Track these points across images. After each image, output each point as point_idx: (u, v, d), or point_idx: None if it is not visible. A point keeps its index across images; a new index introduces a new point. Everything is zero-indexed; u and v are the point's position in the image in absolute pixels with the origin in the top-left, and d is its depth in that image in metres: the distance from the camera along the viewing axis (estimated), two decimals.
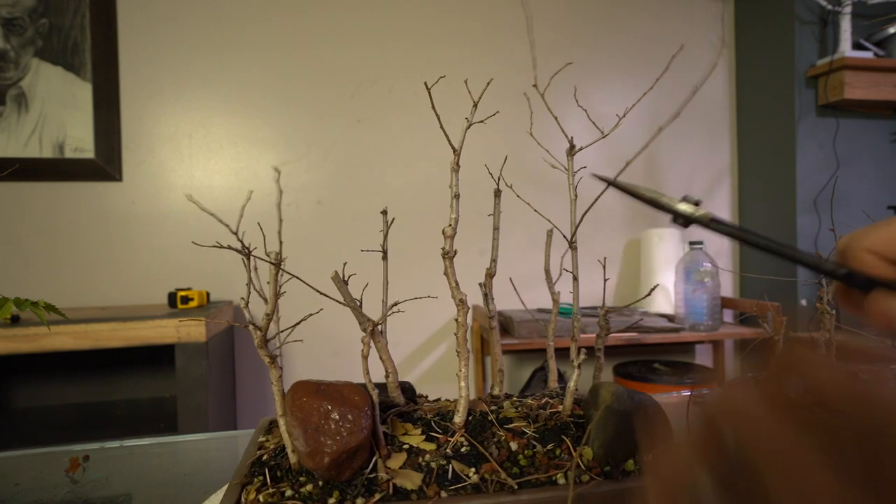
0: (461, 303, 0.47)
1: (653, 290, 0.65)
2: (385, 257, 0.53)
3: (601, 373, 0.54)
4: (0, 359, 1.31)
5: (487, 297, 0.55)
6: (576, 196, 0.55)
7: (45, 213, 1.71)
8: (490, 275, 0.54)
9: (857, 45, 1.87)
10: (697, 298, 1.78)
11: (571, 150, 0.55)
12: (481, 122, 0.52)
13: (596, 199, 0.52)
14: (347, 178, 1.91)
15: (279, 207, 0.45)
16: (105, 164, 1.73)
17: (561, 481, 0.41)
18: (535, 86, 0.55)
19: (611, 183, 0.34)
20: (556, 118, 0.59)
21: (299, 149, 1.88)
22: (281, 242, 0.44)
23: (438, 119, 0.47)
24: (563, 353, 0.57)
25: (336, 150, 1.90)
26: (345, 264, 0.49)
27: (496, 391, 0.57)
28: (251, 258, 0.44)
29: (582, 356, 0.50)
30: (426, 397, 0.56)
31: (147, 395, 1.70)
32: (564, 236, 0.56)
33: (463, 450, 0.44)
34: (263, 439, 0.49)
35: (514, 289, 0.67)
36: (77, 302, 1.71)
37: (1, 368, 1.60)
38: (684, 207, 0.31)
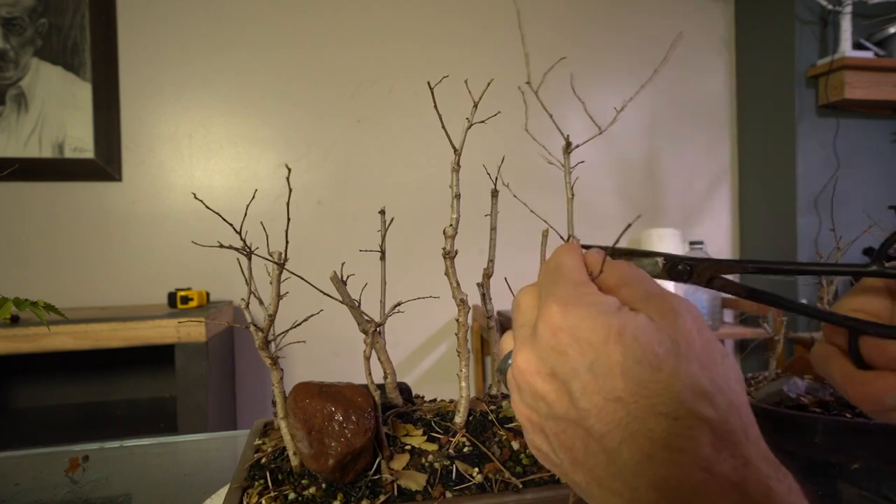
0: (462, 303, 0.47)
1: None
2: (383, 257, 0.53)
3: None
4: (0, 359, 1.31)
5: (485, 297, 0.55)
6: (573, 195, 0.54)
7: (45, 213, 1.71)
8: (488, 275, 0.54)
9: (857, 45, 1.87)
10: (697, 298, 1.78)
11: (567, 148, 0.55)
12: (482, 122, 0.52)
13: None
14: (347, 178, 1.91)
15: (288, 206, 0.45)
16: (105, 164, 1.73)
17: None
18: (528, 83, 0.55)
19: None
20: (550, 116, 0.58)
21: (299, 149, 1.88)
22: (287, 242, 0.44)
23: (440, 118, 0.47)
24: None
25: (336, 150, 1.90)
26: (343, 264, 0.49)
27: (494, 391, 0.57)
28: (251, 258, 0.44)
29: None
30: (423, 398, 0.56)
31: (147, 395, 1.69)
32: (561, 236, 0.56)
33: (465, 450, 0.44)
34: (260, 442, 0.49)
35: (510, 289, 0.67)
36: (77, 302, 1.71)
37: (1, 368, 1.60)
38: (647, 262, 0.32)
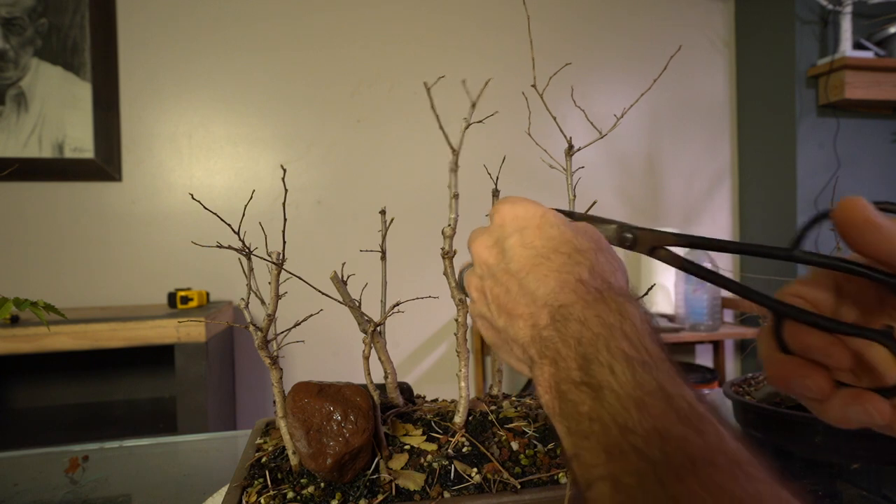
0: (461, 303, 0.47)
1: (649, 289, 0.65)
2: (383, 257, 0.53)
3: None
4: (0, 359, 1.31)
5: None
6: (574, 196, 0.55)
7: (45, 213, 1.71)
8: None
9: (857, 45, 1.87)
10: (698, 298, 1.78)
11: (570, 151, 0.55)
12: (480, 122, 0.52)
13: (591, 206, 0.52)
14: (347, 178, 1.91)
15: (284, 207, 0.45)
16: (105, 164, 1.73)
17: (563, 480, 0.41)
18: (533, 86, 0.55)
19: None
20: (554, 118, 0.59)
21: (299, 149, 1.88)
22: (284, 242, 0.44)
23: (438, 119, 0.47)
24: None
25: (336, 150, 1.90)
26: (343, 264, 0.48)
27: (495, 391, 0.57)
28: (251, 258, 0.44)
29: None
30: (424, 398, 0.56)
31: (147, 396, 1.69)
32: None
33: (464, 450, 0.44)
34: (261, 441, 0.49)
35: None
36: (77, 302, 1.71)
37: (1, 368, 1.60)
38: (605, 228, 0.35)
